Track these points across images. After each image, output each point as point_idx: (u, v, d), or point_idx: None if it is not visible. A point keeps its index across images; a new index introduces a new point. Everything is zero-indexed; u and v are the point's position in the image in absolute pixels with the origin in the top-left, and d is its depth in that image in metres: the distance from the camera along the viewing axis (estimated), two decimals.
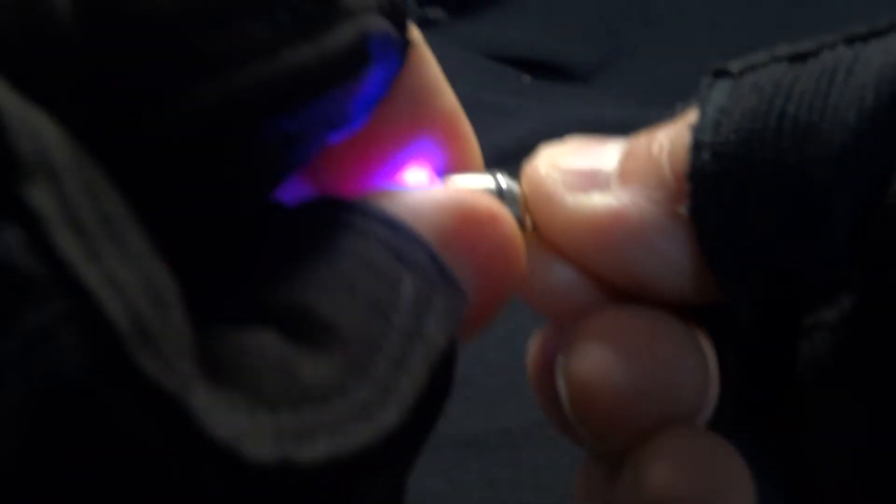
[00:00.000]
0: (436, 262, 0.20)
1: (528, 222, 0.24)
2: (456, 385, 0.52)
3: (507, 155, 0.68)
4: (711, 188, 0.21)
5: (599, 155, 0.24)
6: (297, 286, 0.18)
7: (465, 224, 0.21)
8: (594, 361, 0.23)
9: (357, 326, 0.18)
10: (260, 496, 0.15)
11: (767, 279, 0.22)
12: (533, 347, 0.27)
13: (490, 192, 0.23)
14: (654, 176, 0.22)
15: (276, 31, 0.18)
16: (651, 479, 0.23)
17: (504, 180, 0.24)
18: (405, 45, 0.22)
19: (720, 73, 0.22)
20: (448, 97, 0.24)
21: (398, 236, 0.20)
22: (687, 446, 0.23)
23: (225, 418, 0.15)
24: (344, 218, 0.20)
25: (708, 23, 0.84)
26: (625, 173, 0.23)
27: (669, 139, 0.23)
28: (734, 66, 0.22)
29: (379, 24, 0.20)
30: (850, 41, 0.21)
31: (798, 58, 0.21)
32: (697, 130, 0.22)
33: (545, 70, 0.80)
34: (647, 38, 0.84)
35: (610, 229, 0.23)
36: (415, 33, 0.22)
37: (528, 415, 0.52)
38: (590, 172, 0.24)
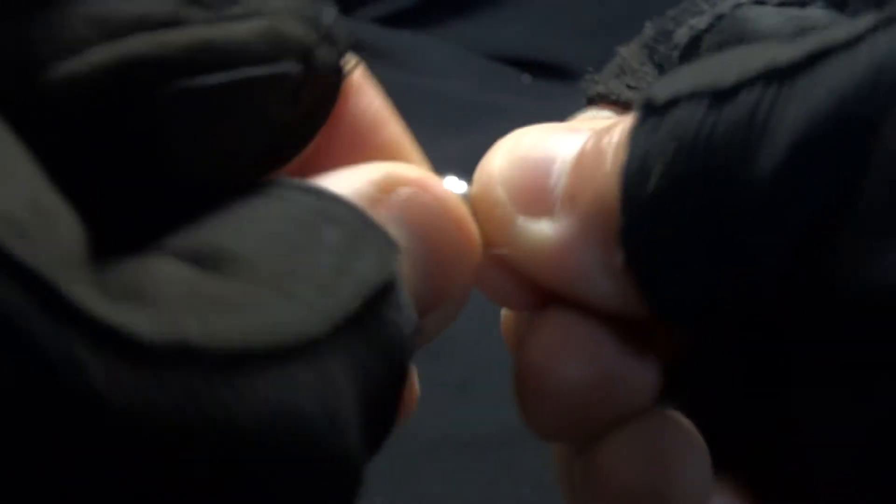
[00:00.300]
0: (361, 216, 0.20)
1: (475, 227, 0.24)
2: (456, 385, 0.52)
3: None
4: (641, 241, 0.22)
5: (552, 160, 0.24)
6: (209, 230, 0.18)
7: (392, 188, 0.21)
8: (541, 360, 0.24)
9: (274, 261, 0.18)
10: (157, 389, 0.15)
11: (706, 320, 0.23)
12: (504, 323, 0.27)
13: None
14: (597, 208, 0.22)
15: (179, 10, 0.19)
16: (603, 472, 0.23)
17: (452, 182, 0.24)
18: (339, 72, 0.22)
19: (648, 107, 0.22)
20: (391, 130, 0.24)
21: (320, 199, 0.20)
22: (638, 439, 0.24)
23: (114, 310, 0.15)
24: (265, 189, 0.20)
25: None
26: (571, 197, 0.23)
27: (617, 151, 0.22)
28: (661, 92, 0.22)
29: (295, 29, 0.20)
30: (770, 78, 0.20)
31: (718, 97, 0.21)
32: (625, 179, 0.22)
33: (545, 70, 0.80)
34: None
35: (553, 260, 0.23)
36: (356, 64, 0.23)
37: None
38: (539, 192, 0.24)
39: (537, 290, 0.24)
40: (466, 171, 0.25)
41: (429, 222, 0.22)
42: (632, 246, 0.22)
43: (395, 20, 0.82)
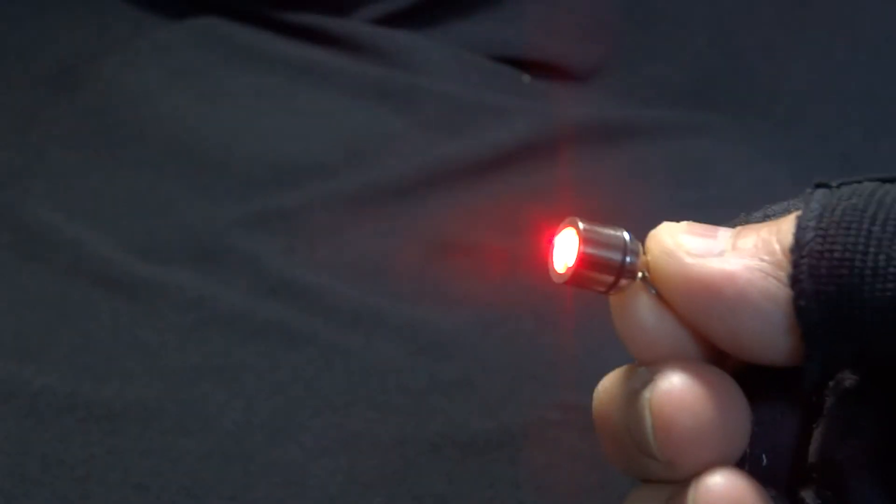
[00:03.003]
0: None
1: (647, 275, 0.28)
2: (456, 385, 0.52)
3: (506, 155, 0.67)
4: (811, 285, 0.25)
5: (713, 235, 0.27)
6: None
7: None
8: (681, 395, 0.26)
9: None
10: None
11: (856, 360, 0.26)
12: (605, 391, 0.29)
13: (620, 243, 0.27)
14: (764, 251, 0.26)
15: None
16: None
17: (629, 236, 0.28)
18: None
19: (819, 185, 0.26)
20: None
21: None
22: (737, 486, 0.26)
23: None
24: None
25: (708, 23, 0.84)
26: (738, 248, 0.27)
27: (776, 231, 0.26)
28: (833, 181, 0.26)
29: None
30: None
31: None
32: (798, 233, 0.25)
33: (545, 70, 0.80)
34: (647, 38, 0.84)
35: (721, 289, 0.26)
36: None
37: (528, 415, 0.52)
38: (706, 245, 0.27)
39: (689, 340, 0.27)
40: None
41: None
42: (799, 292, 0.25)
43: (394, 20, 0.82)
